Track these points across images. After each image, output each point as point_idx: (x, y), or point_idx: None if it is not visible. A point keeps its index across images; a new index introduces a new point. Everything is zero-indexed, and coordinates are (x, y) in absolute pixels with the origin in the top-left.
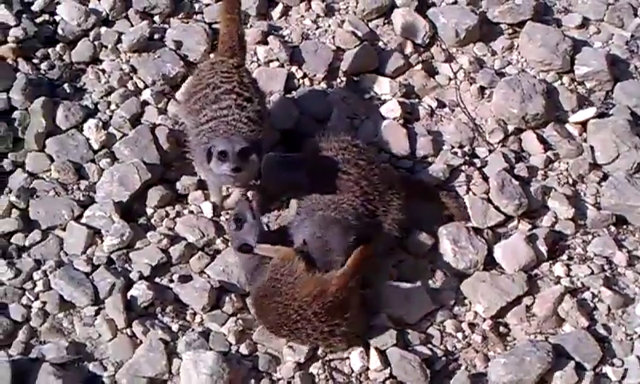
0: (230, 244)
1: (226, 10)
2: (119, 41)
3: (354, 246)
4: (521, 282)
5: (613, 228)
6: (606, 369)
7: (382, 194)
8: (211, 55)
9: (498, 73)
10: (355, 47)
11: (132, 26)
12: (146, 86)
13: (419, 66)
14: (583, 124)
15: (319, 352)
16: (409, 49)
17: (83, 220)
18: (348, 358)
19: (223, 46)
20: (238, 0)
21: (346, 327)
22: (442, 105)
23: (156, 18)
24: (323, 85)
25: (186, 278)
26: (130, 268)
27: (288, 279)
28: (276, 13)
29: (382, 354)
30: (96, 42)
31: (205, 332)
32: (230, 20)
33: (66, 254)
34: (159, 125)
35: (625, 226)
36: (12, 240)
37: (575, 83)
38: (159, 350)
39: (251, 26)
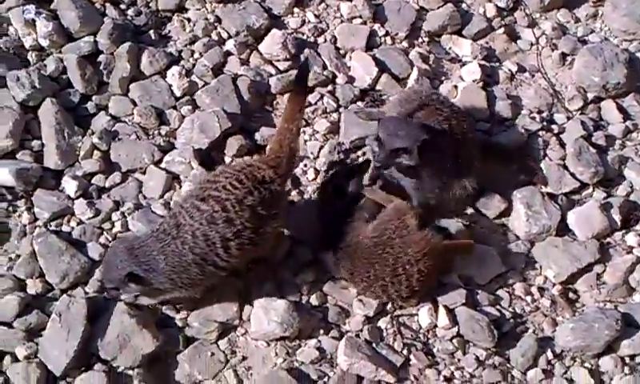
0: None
1: (286, 118)
2: None
3: None
4: (593, 250)
5: None
6: None
7: (466, 145)
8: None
9: (581, 40)
10: (439, 8)
11: None
12: (230, 37)
13: (501, 30)
14: None
15: (388, 307)
16: (492, 12)
17: (163, 165)
18: (417, 314)
19: (270, 153)
20: (302, 109)
21: (428, 286)
22: (522, 69)
23: None
24: (405, 44)
25: None
26: None
27: (402, 232)
28: None
29: (451, 312)
30: None
31: (277, 281)
32: (287, 130)
33: (145, 197)
34: (241, 75)
35: None
36: (93, 181)
37: None
38: (231, 296)
39: None
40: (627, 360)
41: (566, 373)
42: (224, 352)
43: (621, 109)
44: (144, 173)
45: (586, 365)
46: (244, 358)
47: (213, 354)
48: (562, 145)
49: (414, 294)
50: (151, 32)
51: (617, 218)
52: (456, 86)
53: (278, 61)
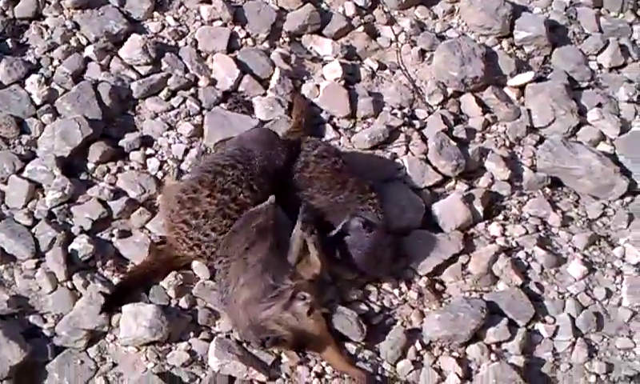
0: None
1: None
2: None
3: None
4: (457, 241)
5: (548, 189)
6: (538, 326)
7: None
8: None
9: (439, 36)
10: (298, 8)
11: None
12: (89, 43)
13: (361, 28)
14: (521, 88)
15: None
16: (351, 11)
17: (24, 174)
18: None
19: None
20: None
21: None
22: (382, 67)
23: None
24: (266, 45)
25: (126, 233)
26: (70, 222)
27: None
28: None
29: None
30: None
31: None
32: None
33: (7, 208)
34: (102, 81)
35: (559, 188)
36: None
37: (514, 48)
38: (99, 303)
39: None
40: (493, 347)
41: (434, 362)
42: (94, 359)
43: (480, 102)
44: (6, 183)
45: (454, 354)
46: (114, 365)
47: (82, 361)
48: (424, 139)
49: None
50: (8, 40)
51: (479, 209)
52: (318, 85)
53: (139, 65)
